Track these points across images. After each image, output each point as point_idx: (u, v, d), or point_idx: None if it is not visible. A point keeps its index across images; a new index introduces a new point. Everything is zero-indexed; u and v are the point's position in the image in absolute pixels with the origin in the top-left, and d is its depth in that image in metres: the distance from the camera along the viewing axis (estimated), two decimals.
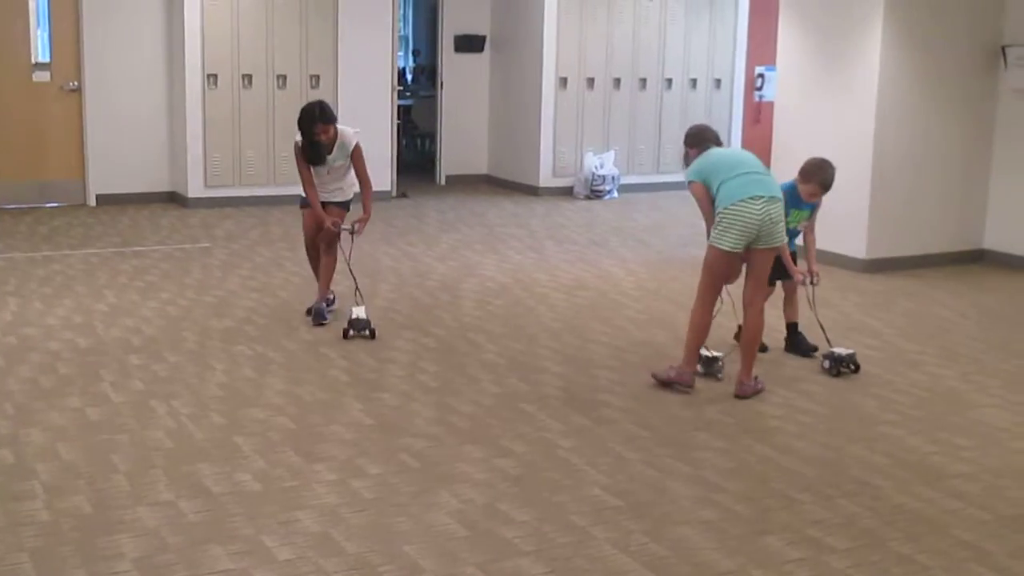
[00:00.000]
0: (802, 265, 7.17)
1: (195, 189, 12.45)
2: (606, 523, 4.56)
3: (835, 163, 9.95)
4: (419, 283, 9.00)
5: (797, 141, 10.49)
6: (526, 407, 6.04)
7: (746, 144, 15.41)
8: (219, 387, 6.25)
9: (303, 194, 7.58)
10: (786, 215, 6.54)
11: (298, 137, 7.42)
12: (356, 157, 7.57)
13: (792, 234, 7.00)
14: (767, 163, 11.07)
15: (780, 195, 6.36)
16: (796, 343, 7.34)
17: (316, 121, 7.36)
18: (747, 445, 5.53)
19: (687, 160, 6.65)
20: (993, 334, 7.88)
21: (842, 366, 6.81)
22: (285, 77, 12.63)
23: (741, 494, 4.91)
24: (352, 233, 7.50)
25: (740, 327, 6.62)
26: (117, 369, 6.55)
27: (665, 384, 6.37)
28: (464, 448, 5.39)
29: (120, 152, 12.59)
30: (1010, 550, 4.43)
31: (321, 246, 7.64)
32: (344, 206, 7.72)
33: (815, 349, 7.17)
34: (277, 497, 4.74)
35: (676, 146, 14.54)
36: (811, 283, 6.98)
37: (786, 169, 10.54)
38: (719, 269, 6.35)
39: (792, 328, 7.41)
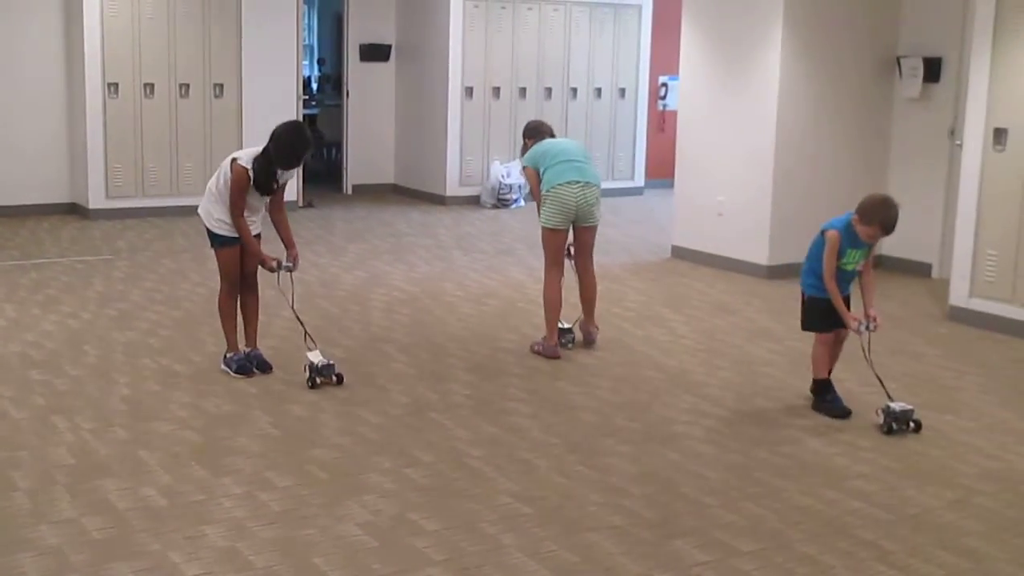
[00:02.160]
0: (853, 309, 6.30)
1: (96, 200, 12.23)
2: (516, 530, 4.57)
3: (738, 172, 10.11)
4: (327, 294, 8.94)
5: (700, 150, 10.64)
6: (435, 416, 6.03)
7: (651, 154, 15.59)
8: (123, 401, 6.15)
9: (222, 231, 6.40)
10: (841, 255, 6.04)
11: (243, 161, 6.30)
12: (285, 183, 6.60)
13: (848, 277, 6.22)
14: (671, 172, 11.25)
15: (598, 181, 7.36)
16: (828, 402, 6.27)
17: (309, 147, 6.47)
18: (654, 450, 5.58)
19: (524, 150, 7.53)
20: (889, 338, 8.04)
21: (898, 423, 5.93)
22: (188, 86, 12.48)
23: (649, 499, 4.95)
24: (291, 271, 6.63)
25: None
26: (17, 384, 6.41)
27: (539, 354, 7.20)
28: (373, 458, 5.36)
29: (18, 163, 12.34)
30: (910, 548, 4.52)
31: (241, 287, 6.65)
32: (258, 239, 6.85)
33: (848, 414, 6.18)
34: (183, 512, 4.67)
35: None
36: (868, 329, 6.11)
37: (689, 177, 10.73)
38: (551, 246, 7.26)
39: (825, 383, 6.34)
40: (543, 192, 7.23)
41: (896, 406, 5.95)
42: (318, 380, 6.43)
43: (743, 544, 4.50)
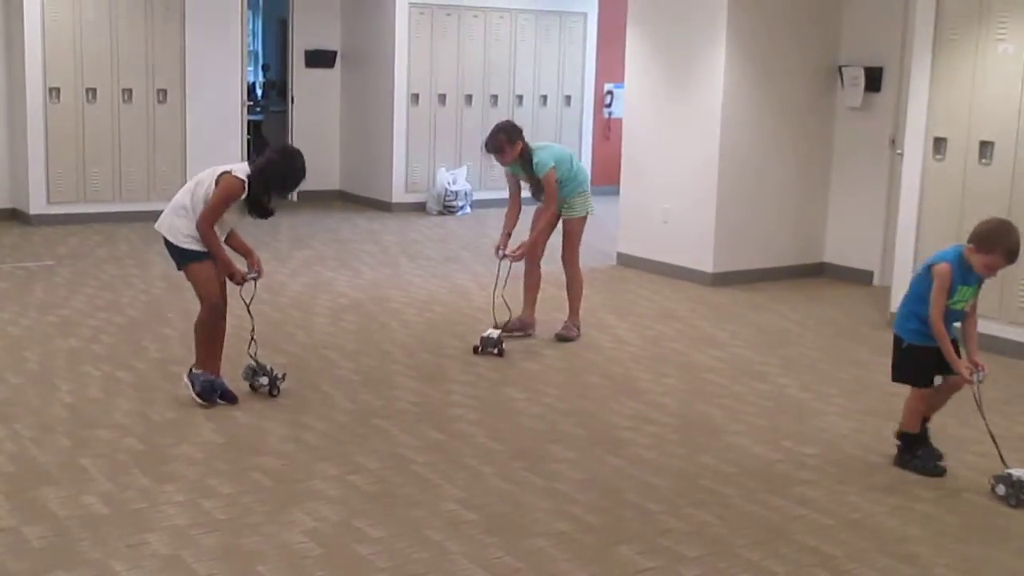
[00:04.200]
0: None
1: (37, 206, 12.08)
2: (461, 537, 4.57)
3: (683, 179, 10.17)
4: (271, 300, 8.89)
5: (645, 157, 10.69)
6: (380, 423, 6.01)
7: (597, 161, 15.64)
8: (64, 408, 6.07)
9: (192, 246, 6.04)
10: (951, 293, 5.33)
11: (238, 173, 5.99)
12: None
13: (954, 318, 5.44)
14: (617, 178, 11.29)
15: None
16: (918, 458, 5.56)
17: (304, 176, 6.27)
18: (599, 456, 5.60)
19: (517, 151, 7.53)
20: (832, 344, 8.13)
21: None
22: (131, 91, 12.35)
23: (594, 505, 4.96)
24: (256, 280, 6.41)
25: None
26: None
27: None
28: (318, 465, 5.33)
29: None
30: (852, 553, 4.57)
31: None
32: None
33: (943, 473, 5.48)
34: (125, 520, 4.62)
35: None
36: (979, 380, 5.29)
37: (635, 184, 10.77)
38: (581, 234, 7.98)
39: (916, 437, 5.61)
40: (581, 192, 7.82)
41: (1019, 473, 5.12)
42: (262, 385, 6.38)
43: (688, 550, 4.52)
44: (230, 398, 6.21)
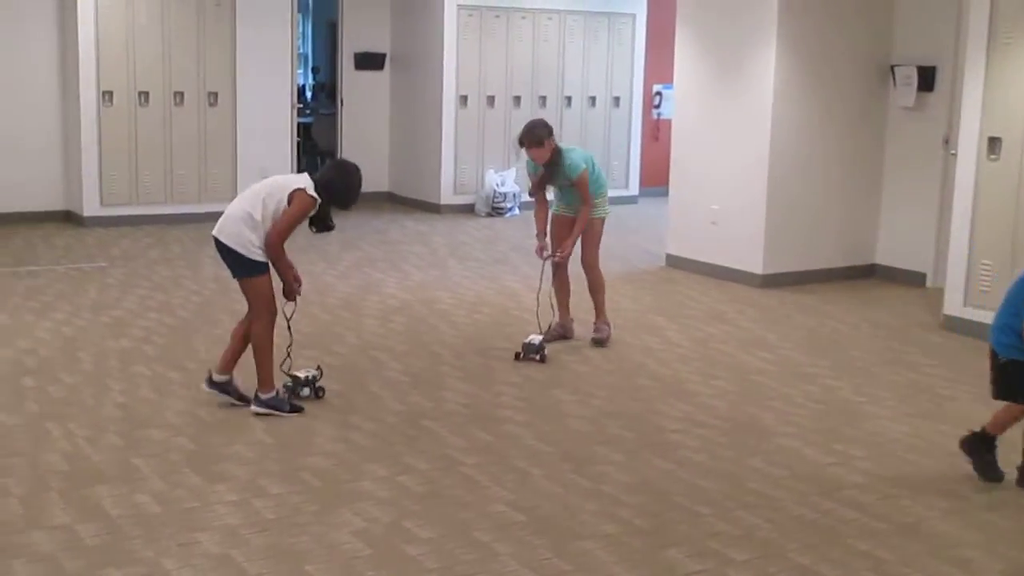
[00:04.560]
0: None
1: (91, 208, 12.22)
2: (510, 539, 4.57)
3: (732, 180, 10.13)
4: (320, 301, 8.93)
5: (694, 158, 10.64)
6: (429, 424, 6.03)
7: (645, 162, 15.60)
8: (117, 408, 6.14)
9: (259, 257, 6.01)
10: None
11: (311, 191, 6.01)
12: None
13: None
14: (665, 180, 11.26)
15: None
16: (987, 462, 5.42)
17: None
18: (647, 459, 5.58)
19: (548, 151, 7.50)
20: (884, 347, 8.05)
21: None
22: (182, 94, 12.47)
23: (642, 508, 4.95)
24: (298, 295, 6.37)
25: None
26: (10, 391, 6.39)
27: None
28: (367, 466, 5.35)
29: (13, 170, 12.32)
30: (904, 558, 4.52)
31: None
32: None
33: (1001, 476, 5.38)
34: (176, 519, 4.66)
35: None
36: None
37: (684, 185, 10.73)
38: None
39: (993, 440, 5.41)
40: (604, 192, 7.79)
41: None
42: (304, 391, 6.36)
43: (737, 554, 4.50)
44: (244, 400, 6.23)
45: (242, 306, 6.31)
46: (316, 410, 6.18)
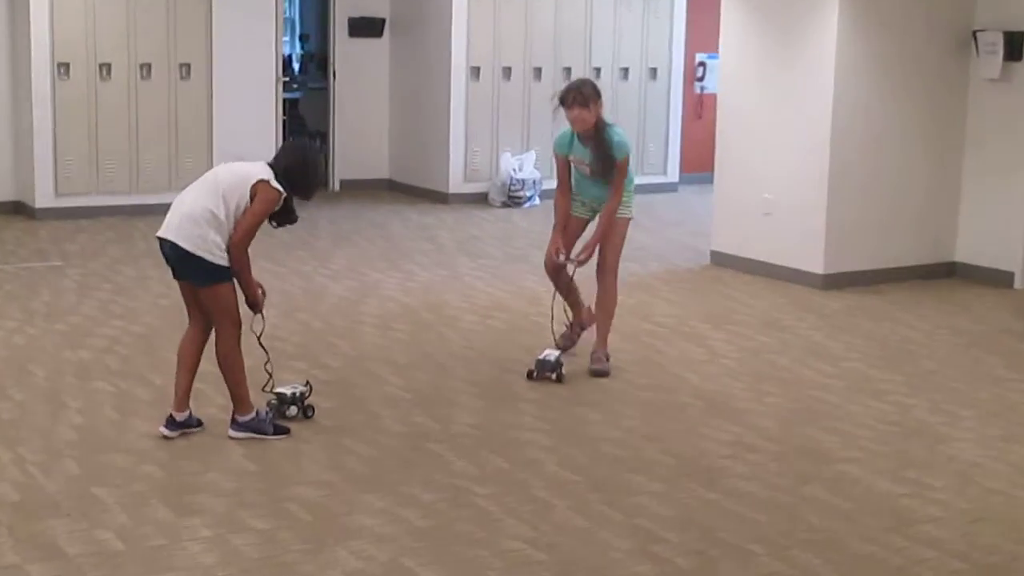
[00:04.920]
0: None
1: (44, 198, 12.27)
2: None
3: (788, 165, 10.07)
4: (310, 306, 8.95)
5: (744, 139, 10.63)
6: (435, 448, 6.04)
7: (687, 143, 15.59)
8: (74, 430, 6.16)
9: (225, 261, 6.00)
10: None
11: (275, 183, 6.01)
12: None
13: None
14: (710, 165, 11.25)
15: None
16: None
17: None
18: (690, 489, 5.58)
19: (594, 114, 7.27)
20: (965, 358, 8.03)
21: None
22: (150, 66, 12.52)
23: (684, 546, 4.95)
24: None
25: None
26: None
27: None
28: (363, 497, 5.37)
29: None
30: None
31: (197, 328, 6.25)
32: None
33: None
34: (143, 558, 4.68)
35: None
36: None
37: (731, 171, 10.72)
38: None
39: None
40: (632, 186, 7.60)
41: None
42: (291, 411, 6.35)
43: None
44: (198, 424, 6.25)
45: None
46: (304, 432, 6.20)
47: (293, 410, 6.38)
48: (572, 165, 7.50)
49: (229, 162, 6.26)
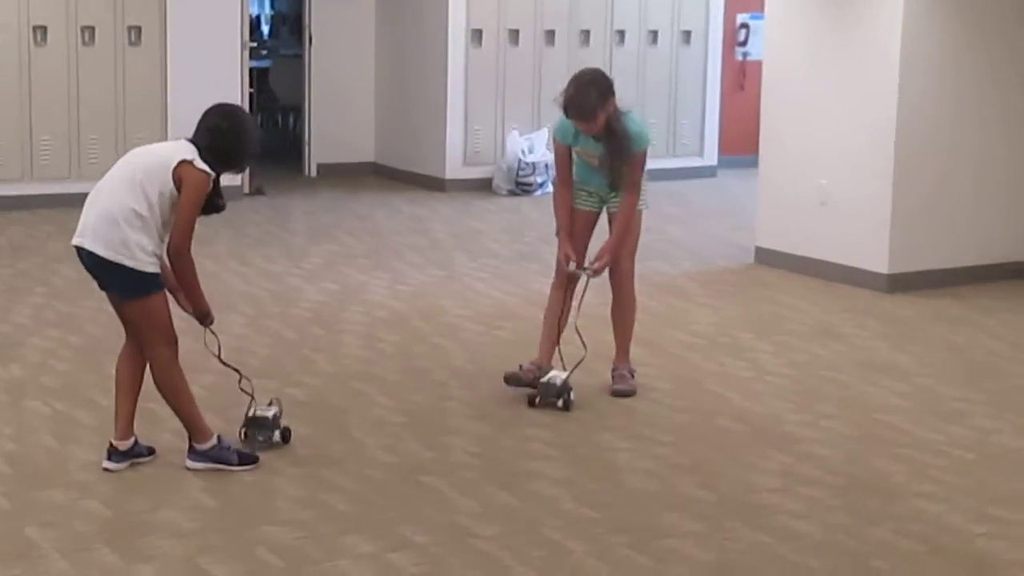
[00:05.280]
0: None
1: None
2: None
3: (847, 145, 10.03)
4: (282, 313, 8.95)
5: (794, 115, 10.61)
6: (430, 481, 6.03)
7: (727, 119, 15.58)
8: (4, 460, 6.16)
9: (154, 268, 5.93)
10: None
11: (199, 163, 5.89)
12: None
13: None
14: (754, 145, 11.23)
15: None
16: None
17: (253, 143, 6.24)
18: (732, 529, 5.57)
19: (605, 114, 7.06)
20: None
21: None
22: (93, 30, 12.53)
23: None
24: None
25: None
26: None
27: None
28: (346, 539, 5.36)
29: None
30: None
31: (131, 346, 6.21)
32: None
33: None
34: None
35: None
36: None
37: (779, 153, 10.70)
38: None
39: None
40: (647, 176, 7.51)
41: None
42: (266, 438, 6.34)
43: None
44: (149, 452, 6.24)
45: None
46: (276, 462, 6.19)
47: (271, 435, 6.37)
48: (575, 154, 7.39)
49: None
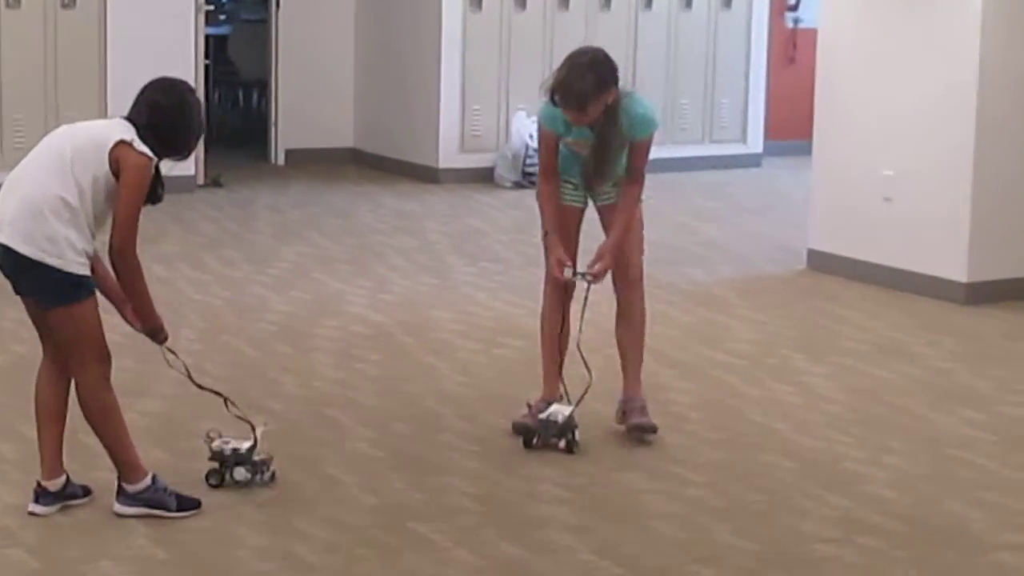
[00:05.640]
0: None
1: None
2: None
3: (916, 131, 10.00)
4: (244, 327, 8.96)
5: (853, 93, 10.62)
6: (420, 528, 6.03)
7: (773, 98, 15.57)
8: None
9: (84, 270, 5.89)
10: None
11: (139, 145, 5.89)
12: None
13: None
14: (806, 130, 11.23)
15: None
16: None
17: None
18: None
19: (606, 103, 6.93)
20: None
21: None
22: None
23: None
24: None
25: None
26: None
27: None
28: None
29: None
30: None
31: (51, 361, 6.19)
32: None
33: None
34: None
35: (658, 99, 14.69)
36: None
37: (836, 138, 10.71)
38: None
39: None
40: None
41: None
42: (235, 477, 6.36)
43: None
44: (86, 493, 6.24)
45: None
46: (237, 505, 6.19)
47: (252, 474, 6.37)
48: (562, 145, 7.25)
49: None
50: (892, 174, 10.32)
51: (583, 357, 7.06)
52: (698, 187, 13.67)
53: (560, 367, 7.32)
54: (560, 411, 7.02)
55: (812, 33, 12.33)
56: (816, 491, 6.57)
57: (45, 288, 5.87)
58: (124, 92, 12.75)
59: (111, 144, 5.82)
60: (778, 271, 10.91)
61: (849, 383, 8.21)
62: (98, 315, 5.95)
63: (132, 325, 6.11)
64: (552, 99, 6.94)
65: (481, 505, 6.32)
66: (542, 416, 7.03)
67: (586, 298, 7.20)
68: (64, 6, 12.70)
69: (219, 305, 9.47)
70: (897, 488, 6.64)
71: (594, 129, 7.01)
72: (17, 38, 12.58)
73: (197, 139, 6.26)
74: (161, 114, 5.99)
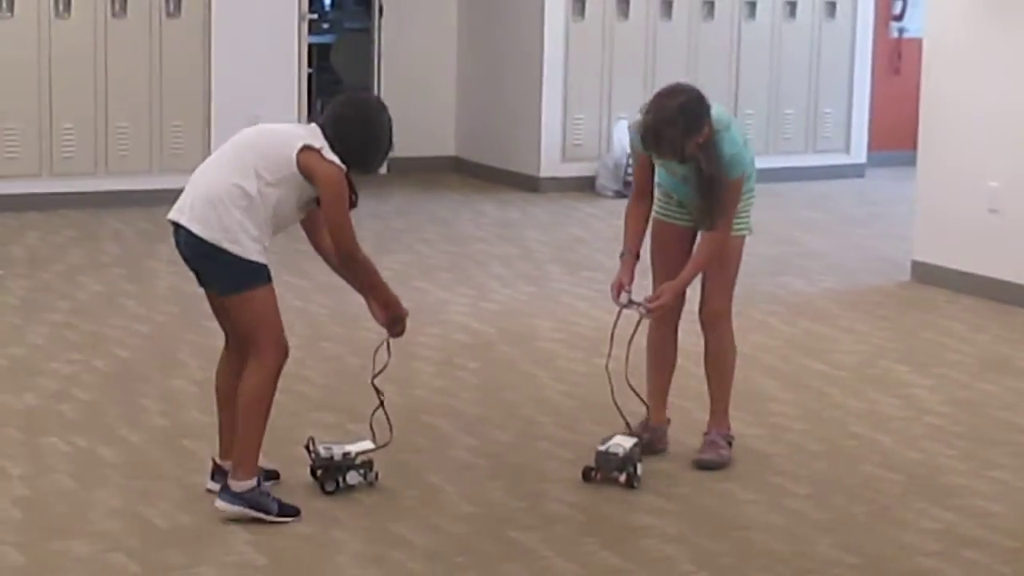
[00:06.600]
0: None
1: None
2: None
3: (1019, 140, 9.88)
4: (345, 335, 8.98)
5: (960, 103, 10.54)
6: (520, 537, 6.04)
7: (877, 109, 15.48)
8: (17, 505, 6.22)
9: (260, 256, 6.07)
10: None
11: (328, 153, 6.03)
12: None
13: None
14: (911, 140, 11.16)
15: None
16: None
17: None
18: None
19: (698, 142, 6.62)
20: None
21: None
22: (125, 0, 12.63)
23: None
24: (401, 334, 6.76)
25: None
26: None
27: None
28: None
29: None
30: None
31: (234, 357, 6.35)
32: None
33: None
34: None
35: (761, 109, 14.64)
36: None
37: (942, 149, 10.64)
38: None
39: None
40: (749, 196, 7.05)
41: None
42: (348, 481, 6.41)
43: None
44: (275, 475, 6.42)
45: (216, 340, 6.35)
46: (336, 511, 6.21)
47: (354, 476, 6.41)
48: (657, 164, 7.04)
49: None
50: (998, 185, 10.24)
51: (632, 388, 6.94)
52: (801, 197, 13.59)
53: (666, 390, 7.22)
54: (621, 444, 6.69)
55: (917, 43, 12.24)
56: (919, 504, 6.52)
57: (222, 274, 6.02)
58: (228, 101, 13.03)
59: (298, 146, 5.96)
60: (881, 283, 10.84)
61: (953, 396, 8.15)
62: (275, 304, 6.11)
63: (376, 317, 6.53)
64: (643, 142, 6.74)
65: (581, 513, 6.32)
66: (601, 448, 6.69)
67: (636, 328, 7.09)
68: (169, 15, 12.76)
69: (321, 313, 9.50)
70: (1002, 502, 6.58)
71: (687, 163, 6.73)
72: (123, 47, 12.64)
73: (384, 155, 6.37)
74: (345, 127, 6.11)
